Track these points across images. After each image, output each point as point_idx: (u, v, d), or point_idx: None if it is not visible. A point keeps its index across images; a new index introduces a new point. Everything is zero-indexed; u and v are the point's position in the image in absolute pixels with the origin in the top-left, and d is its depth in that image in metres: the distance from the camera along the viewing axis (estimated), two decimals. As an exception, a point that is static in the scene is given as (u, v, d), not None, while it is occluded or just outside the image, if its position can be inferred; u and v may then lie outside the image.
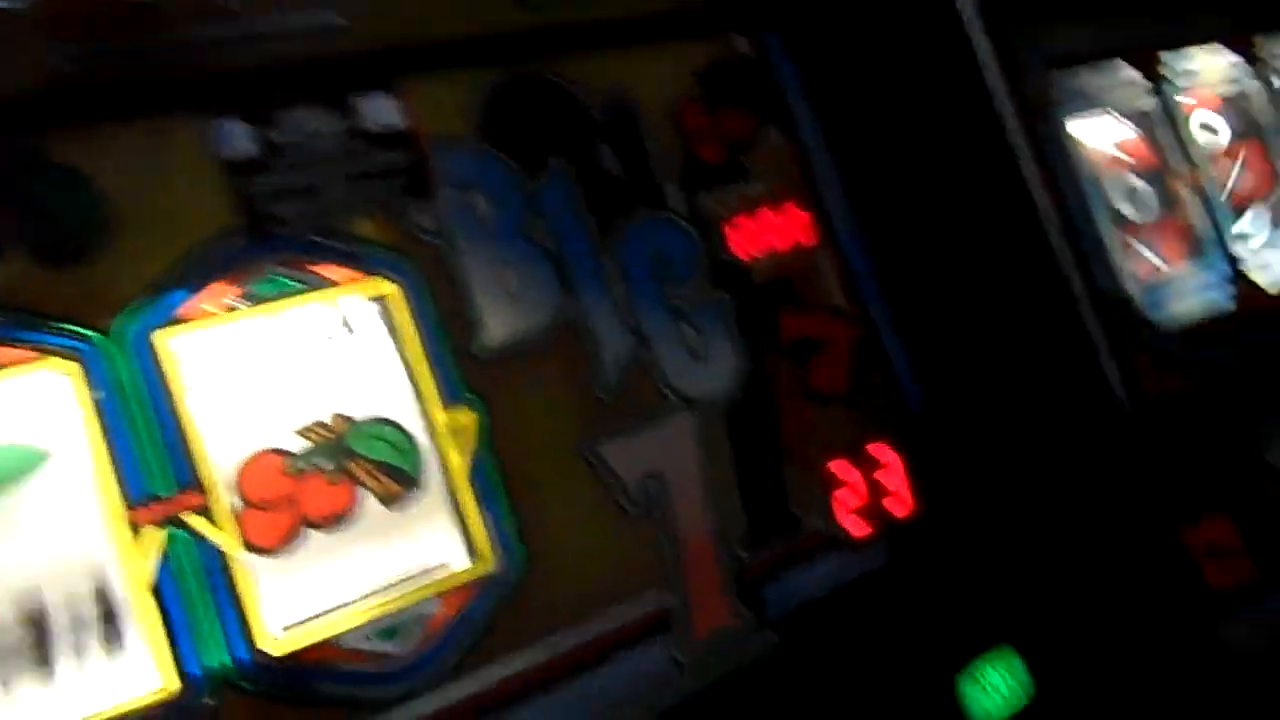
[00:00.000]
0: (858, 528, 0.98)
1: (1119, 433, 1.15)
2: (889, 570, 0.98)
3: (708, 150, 0.99)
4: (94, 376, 0.71)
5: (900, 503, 1.01)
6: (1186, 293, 1.25)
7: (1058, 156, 1.19)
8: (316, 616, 0.76)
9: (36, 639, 0.67)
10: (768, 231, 1.00)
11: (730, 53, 1.03)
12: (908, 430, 1.03)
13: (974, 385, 1.10)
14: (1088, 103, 1.24)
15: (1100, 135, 1.26)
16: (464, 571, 0.81)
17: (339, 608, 0.77)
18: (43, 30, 0.68)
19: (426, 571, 0.80)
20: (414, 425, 0.82)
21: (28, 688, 0.66)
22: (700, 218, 0.98)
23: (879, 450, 1.01)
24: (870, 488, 0.99)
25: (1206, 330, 1.24)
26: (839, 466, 0.99)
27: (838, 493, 0.98)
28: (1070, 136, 1.21)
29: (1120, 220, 1.23)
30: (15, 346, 0.70)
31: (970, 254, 1.16)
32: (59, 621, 0.68)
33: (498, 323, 0.86)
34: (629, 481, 0.88)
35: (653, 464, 0.90)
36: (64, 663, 0.68)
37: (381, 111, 0.83)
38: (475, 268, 0.86)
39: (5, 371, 0.69)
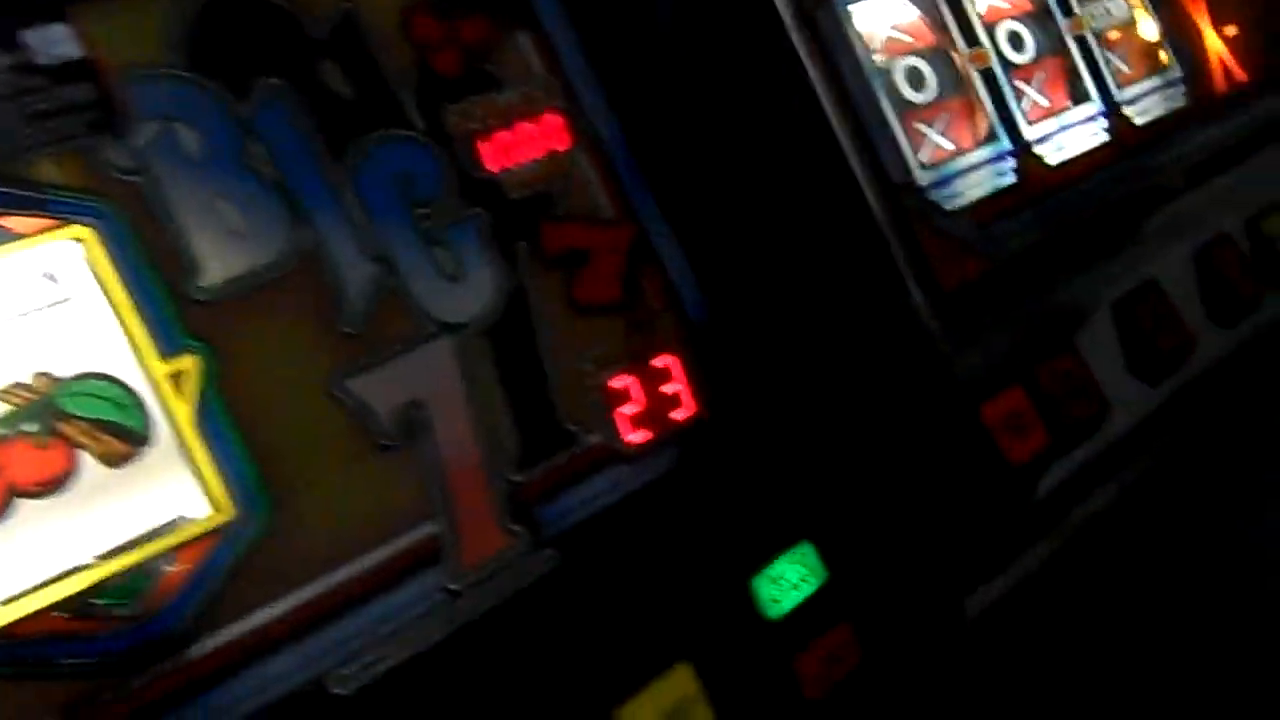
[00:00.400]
0: (638, 437, 0.96)
1: (914, 323, 1.15)
2: (674, 478, 0.97)
3: (445, 61, 0.94)
4: None
5: (683, 408, 1.00)
6: (976, 173, 1.25)
7: (838, 44, 1.17)
8: (37, 587, 0.72)
9: None
10: (521, 141, 0.96)
11: (465, -44, 0.97)
12: (689, 335, 1.02)
13: (761, 284, 1.09)
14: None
15: (881, 19, 1.24)
16: (199, 523, 0.77)
17: (63, 575, 0.73)
18: None
19: (159, 527, 0.76)
20: (132, 378, 0.78)
21: None
22: (444, 133, 0.93)
23: (658, 357, 1.00)
24: (650, 396, 0.98)
25: (997, 209, 1.24)
26: (616, 377, 0.97)
27: (616, 404, 0.96)
28: (850, 22, 1.19)
29: (906, 105, 1.22)
30: None
31: (749, 151, 1.14)
32: None
33: (218, 262, 0.81)
34: (384, 414, 0.85)
35: (411, 394, 0.87)
36: None
37: (56, 43, 0.77)
38: (186, 204, 0.80)
39: None
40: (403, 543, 0.84)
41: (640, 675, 0.90)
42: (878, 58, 1.21)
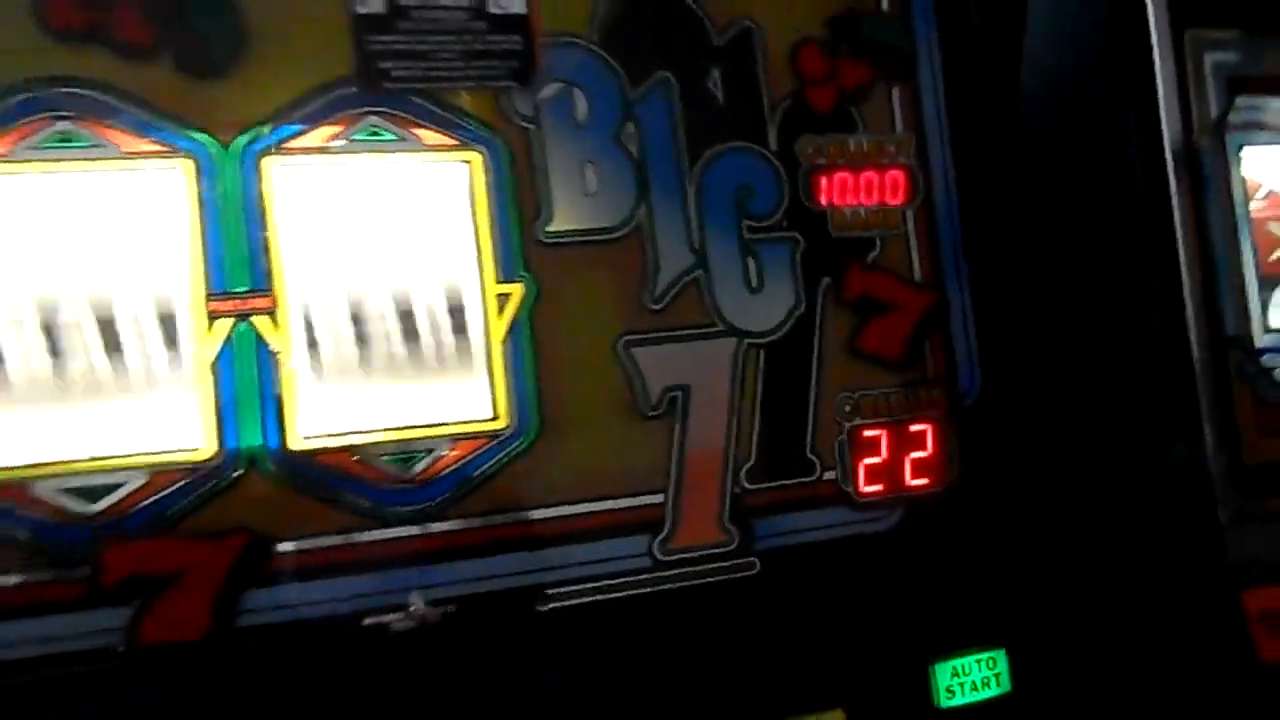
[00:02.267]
0: (872, 489, 1.00)
1: (1199, 485, 1.09)
2: (891, 538, 1.00)
3: (820, 96, 1.00)
4: (206, 179, 0.84)
5: (924, 478, 1.01)
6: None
7: (1215, 184, 1.12)
8: (344, 429, 0.87)
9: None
10: (859, 186, 1.01)
11: (869, 3, 1.02)
12: (953, 410, 1.03)
13: (1042, 383, 1.08)
14: (1268, 134, 1.15)
15: (1271, 168, 1.17)
16: (480, 423, 0.90)
17: (366, 427, 0.88)
18: None
19: (449, 415, 0.89)
20: (470, 288, 0.91)
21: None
22: (794, 159, 1.00)
23: (917, 422, 1.02)
24: (896, 455, 1.01)
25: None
26: (871, 429, 1.00)
27: (861, 452, 1.00)
28: (1238, 165, 1.13)
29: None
30: (153, 141, 0.83)
31: (1080, 256, 1.12)
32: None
33: (567, 213, 0.93)
34: (654, 387, 0.94)
35: (680, 377, 0.95)
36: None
37: (509, -1, 0.90)
38: (559, 158, 0.92)
39: (143, 161, 0.83)
40: (632, 502, 0.93)
41: (794, 706, 0.94)
42: (1253, 206, 1.14)
